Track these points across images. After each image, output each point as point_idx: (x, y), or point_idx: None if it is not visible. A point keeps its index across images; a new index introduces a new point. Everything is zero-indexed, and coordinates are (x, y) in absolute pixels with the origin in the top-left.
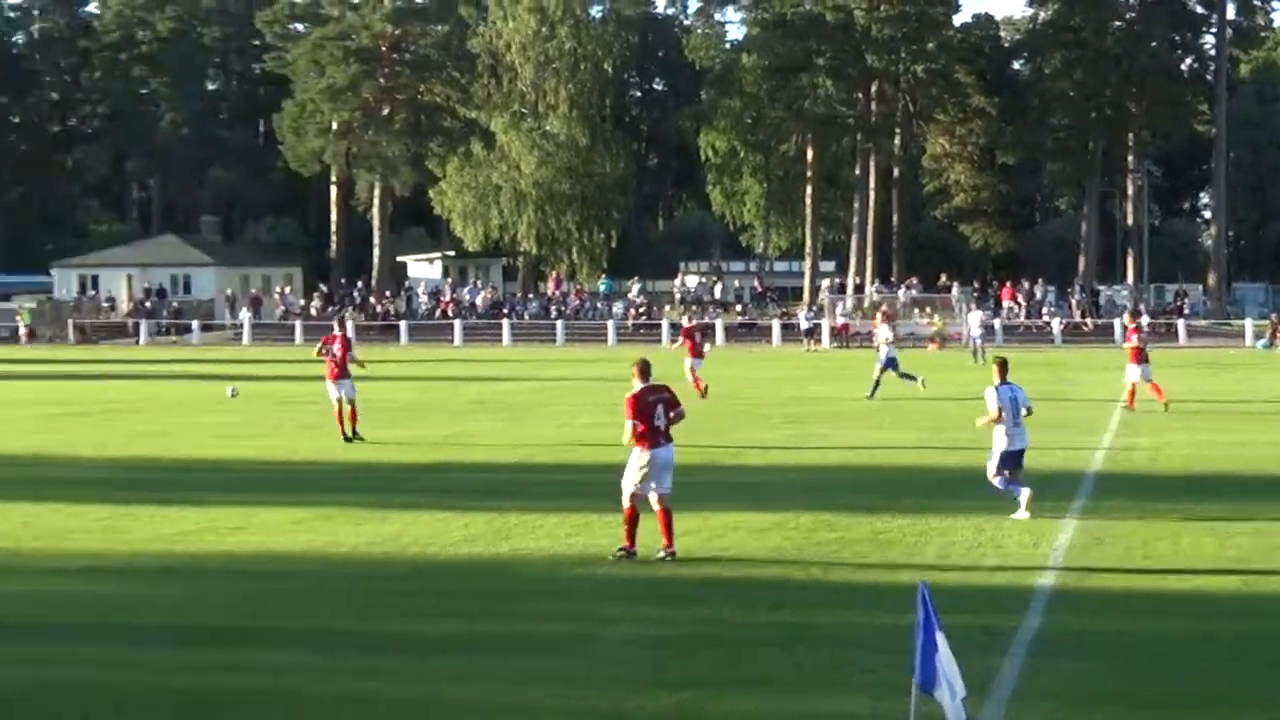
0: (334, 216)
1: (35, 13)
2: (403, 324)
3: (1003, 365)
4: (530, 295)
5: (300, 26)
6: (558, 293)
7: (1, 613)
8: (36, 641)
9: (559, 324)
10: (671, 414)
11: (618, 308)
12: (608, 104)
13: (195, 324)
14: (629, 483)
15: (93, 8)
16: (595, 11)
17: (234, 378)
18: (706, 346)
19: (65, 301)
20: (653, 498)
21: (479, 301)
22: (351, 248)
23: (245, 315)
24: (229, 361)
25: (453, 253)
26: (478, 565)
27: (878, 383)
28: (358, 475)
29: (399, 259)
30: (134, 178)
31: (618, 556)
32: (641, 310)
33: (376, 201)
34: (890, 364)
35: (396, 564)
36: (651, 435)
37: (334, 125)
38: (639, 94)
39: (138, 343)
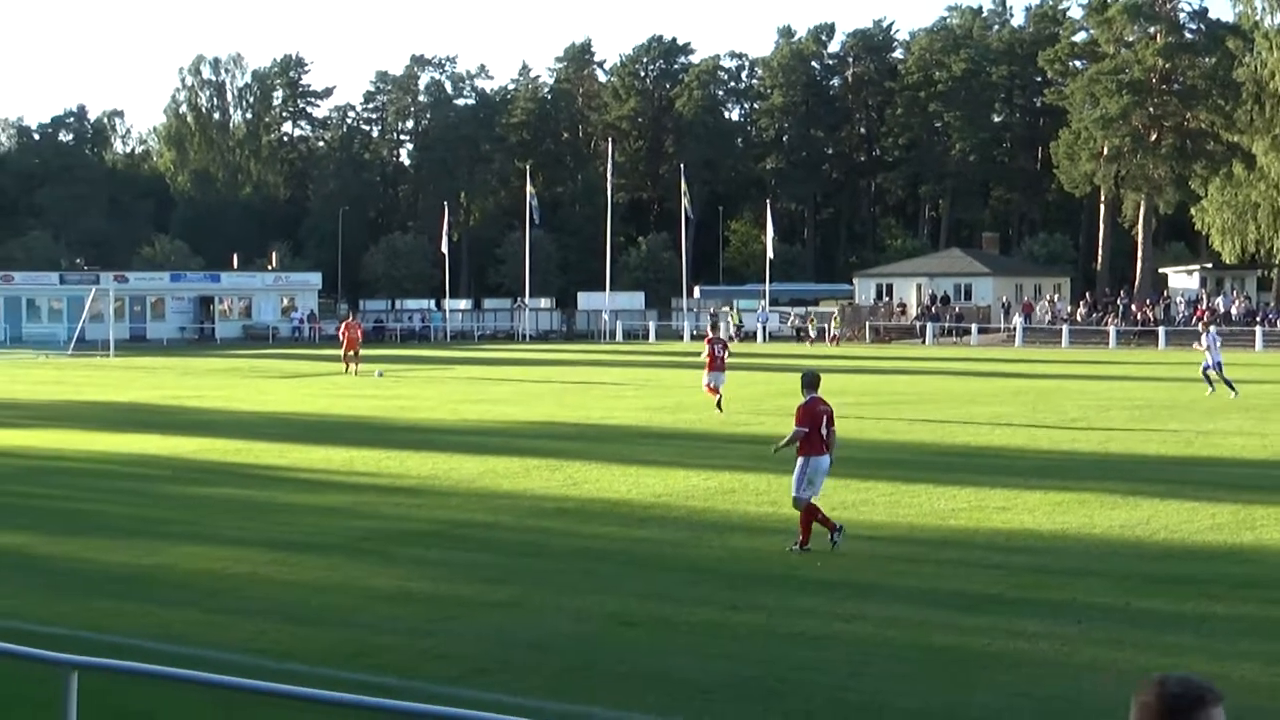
0: (1101, 232)
1: (849, 59)
2: (1160, 330)
3: None
4: None
5: (1079, 63)
6: None
7: (812, 571)
8: (831, 596)
9: None
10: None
11: None
12: None
13: (974, 327)
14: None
15: (898, 53)
16: None
17: (1006, 375)
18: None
19: (864, 306)
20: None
21: (1233, 310)
22: (1116, 260)
23: (1018, 320)
24: (1001, 360)
25: (1210, 265)
26: (1221, 551)
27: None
28: (1110, 465)
29: (1160, 270)
30: (927, 199)
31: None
32: None
33: (1141, 219)
34: None
35: (1146, 546)
36: (817, 444)
37: (1105, 150)
38: None
39: (923, 343)
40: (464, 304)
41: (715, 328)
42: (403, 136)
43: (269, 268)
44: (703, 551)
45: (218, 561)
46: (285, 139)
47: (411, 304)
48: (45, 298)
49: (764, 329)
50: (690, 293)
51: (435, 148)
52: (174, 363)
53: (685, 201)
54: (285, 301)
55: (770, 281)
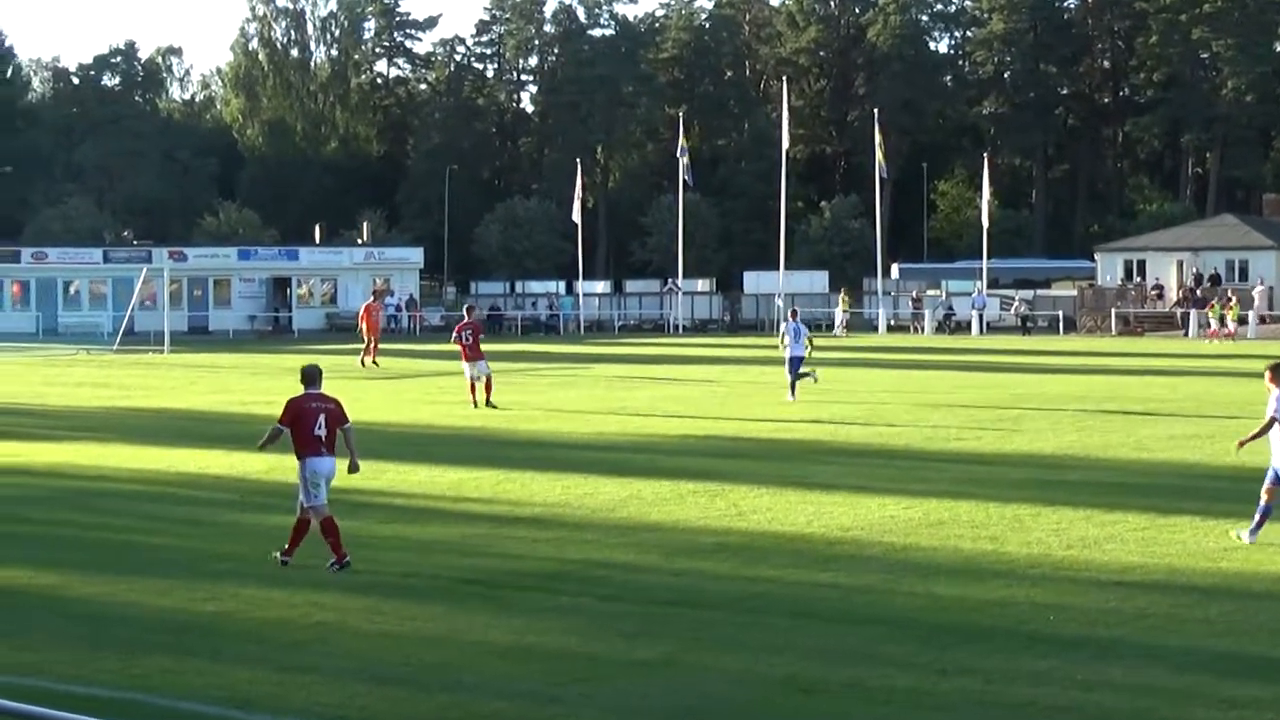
0: None
1: None
2: None
3: None
4: None
5: None
6: None
7: (1043, 626)
8: (1067, 657)
9: None
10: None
11: None
12: None
13: (1251, 315)
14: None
15: None
16: None
17: None
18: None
19: (1109, 289)
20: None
21: None
22: None
23: None
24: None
25: None
26: None
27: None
28: None
29: None
30: (1190, 152)
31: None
32: None
33: None
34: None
35: None
36: (311, 444)
37: None
38: None
39: (1185, 335)
40: (601, 286)
41: (470, 310)
42: (525, 77)
43: (359, 241)
44: (902, 600)
45: (294, 608)
46: (379, 81)
47: (536, 286)
48: (86, 279)
49: (980, 318)
50: (887, 271)
51: (565, 90)
52: (242, 360)
53: (879, 156)
54: (379, 283)
55: (988, 257)
